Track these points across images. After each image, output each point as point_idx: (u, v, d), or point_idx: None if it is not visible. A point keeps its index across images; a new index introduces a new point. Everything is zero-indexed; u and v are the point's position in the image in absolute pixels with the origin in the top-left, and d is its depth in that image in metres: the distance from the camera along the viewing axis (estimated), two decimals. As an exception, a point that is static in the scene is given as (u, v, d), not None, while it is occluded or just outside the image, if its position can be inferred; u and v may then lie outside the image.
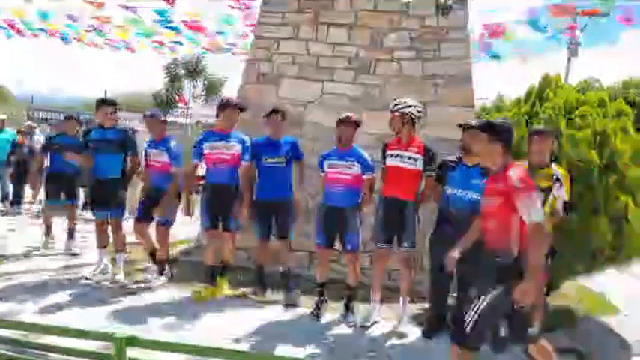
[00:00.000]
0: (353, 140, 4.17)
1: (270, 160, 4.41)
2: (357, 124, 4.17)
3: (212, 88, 24.53)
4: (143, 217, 4.71)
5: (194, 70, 23.50)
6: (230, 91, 25.17)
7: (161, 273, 4.77)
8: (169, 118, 8.64)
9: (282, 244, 4.48)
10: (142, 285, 4.68)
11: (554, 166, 3.66)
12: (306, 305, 4.32)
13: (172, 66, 23.08)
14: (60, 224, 6.00)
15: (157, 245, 4.76)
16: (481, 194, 3.65)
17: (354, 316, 4.10)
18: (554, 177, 3.59)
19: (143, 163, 4.91)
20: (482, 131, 2.78)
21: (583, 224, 3.77)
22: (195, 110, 21.86)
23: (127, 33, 9.93)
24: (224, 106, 4.45)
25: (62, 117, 6.76)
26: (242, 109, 4.53)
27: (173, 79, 23.90)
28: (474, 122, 3.66)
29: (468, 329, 2.64)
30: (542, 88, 4.37)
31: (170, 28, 9.42)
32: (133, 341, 1.64)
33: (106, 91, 25.15)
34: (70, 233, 5.77)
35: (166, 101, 23.57)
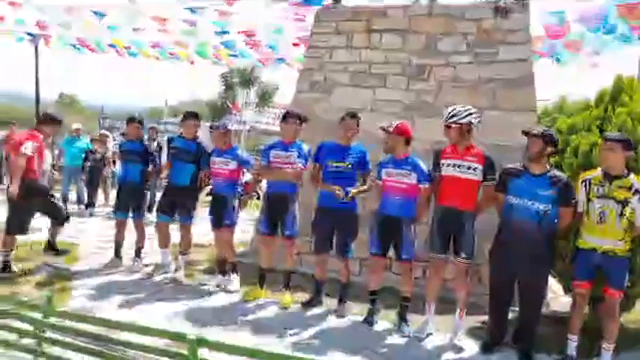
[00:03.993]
0: (406, 149, 4.09)
1: (334, 164, 4.29)
2: (402, 133, 4.04)
3: (264, 95, 25.28)
4: (219, 224, 4.85)
5: (248, 79, 24.33)
6: (282, 98, 25.73)
7: (224, 273, 4.95)
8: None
9: (341, 261, 4.38)
10: (220, 286, 4.86)
11: (632, 176, 3.41)
12: (358, 312, 4.31)
13: (228, 75, 24.02)
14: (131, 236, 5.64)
15: (225, 254, 4.94)
16: (548, 204, 3.50)
17: (409, 327, 4.03)
18: (634, 188, 3.35)
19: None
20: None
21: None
22: (248, 117, 22.56)
23: (187, 48, 10.48)
24: (282, 118, 4.61)
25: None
26: (303, 121, 4.55)
27: (229, 87, 24.85)
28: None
29: None
30: (615, 91, 4.07)
31: (226, 44, 9.83)
32: (203, 342, 1.74)
33: (166, 101, 26.57)
34: (137, 252, 5.43)
35: (221, 109, 24.52)
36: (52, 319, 2.58)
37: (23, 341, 2.72)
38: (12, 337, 2.71)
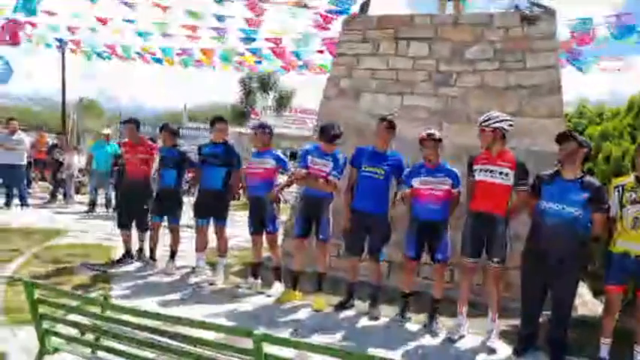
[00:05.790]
0: (438, 156, 4.21)
1: (368, 169, 4.40)
2: (439, 140, 4.20)
3: (282, 100, 25.58)
4: (257, 229, 5.00)
5: (267, 84, 24.66)
6: (298, 101, 25.95)
7: (256, 276, 5.06)
8: (243, 130, 9.14)
9: (372, 263, 4.47)
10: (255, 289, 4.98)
11: None
12: (389, 315, 4.40)
13: (247, 80, 24.36)
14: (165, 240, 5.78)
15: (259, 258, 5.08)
16: (580, 209, 3.56)
17: (439, 327, 4.12)
18: None
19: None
20: None
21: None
22: (266, 121, 22.87)
23: (212, 55, 10.71)
24: (320, 136, 4.70)
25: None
26: (334, 137, 4.63)
27: (248, 92, 25.19)
28: None
29: None
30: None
31: (252, 50, 10.04)
32: (267, 338, 1.86)
33: (185, 105, 27.05)
34: (172, 255, 5.53)
35: (241, 113, 24.85)
36: (110, 313, 2.73)
37: (74, 334, 2.86)
38: (66, 330, 2.86)
